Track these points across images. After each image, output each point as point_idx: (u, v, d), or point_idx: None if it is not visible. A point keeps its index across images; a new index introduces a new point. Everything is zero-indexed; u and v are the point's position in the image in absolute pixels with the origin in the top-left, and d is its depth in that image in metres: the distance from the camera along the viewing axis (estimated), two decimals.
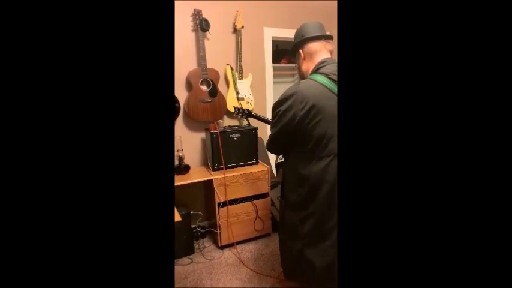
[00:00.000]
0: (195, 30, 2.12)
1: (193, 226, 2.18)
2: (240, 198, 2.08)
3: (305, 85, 1.07)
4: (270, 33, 2.45)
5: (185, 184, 1.91)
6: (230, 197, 2.03)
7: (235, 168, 2.12)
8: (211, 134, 2.01)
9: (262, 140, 2.41)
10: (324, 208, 1.09)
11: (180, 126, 2.21)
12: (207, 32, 2.13)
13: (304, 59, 1.18)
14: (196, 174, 2.06)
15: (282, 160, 2.60)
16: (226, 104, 2.23)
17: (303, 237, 1.16)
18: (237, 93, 2.29)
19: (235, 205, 2.06)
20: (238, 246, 2.09)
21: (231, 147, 2.09)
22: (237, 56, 2.29)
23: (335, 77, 1.06)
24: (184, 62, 2.12)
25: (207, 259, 1.98)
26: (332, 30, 1.45)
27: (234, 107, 1.95)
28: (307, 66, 1.18)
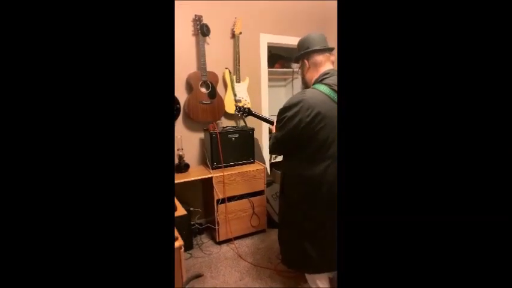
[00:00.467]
0: (195, 34, 2.22)
1: (191, 223, 2.26)
2: (237, 196, 2.18)
3: (310, 94, 1.18)
4: (265, 39, 2.58)
5: (185, 182, 2.00)
6: (228, 195, 2.13)
7: (232, 167, 2.23)
8: (211, 134, 2.11)
9: (257, 141, 2.52)
10: (322, 206, 1.21)
11: (180, 127, 2.29)
12: (207, 36, 2.23)
13: (309, 68, 1.29)
14: (196, 173, 2.15)
15: (276, 160, 2.72)
16: (224, 106, 2.34)
17: (302, 232, 1.28)
18: (235, 95, 2.39)
19: (233, 202, 2.16)
20: (235, 242, 2.18)
21: (229, 147, 2.19)
22: (235, 60, 2.40)
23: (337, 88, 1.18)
24: (184, 65, 2.21)
25: (205, 254, 2.07)
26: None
27: (235, 105, 2.05)
28: (312, 75, 1.29)
